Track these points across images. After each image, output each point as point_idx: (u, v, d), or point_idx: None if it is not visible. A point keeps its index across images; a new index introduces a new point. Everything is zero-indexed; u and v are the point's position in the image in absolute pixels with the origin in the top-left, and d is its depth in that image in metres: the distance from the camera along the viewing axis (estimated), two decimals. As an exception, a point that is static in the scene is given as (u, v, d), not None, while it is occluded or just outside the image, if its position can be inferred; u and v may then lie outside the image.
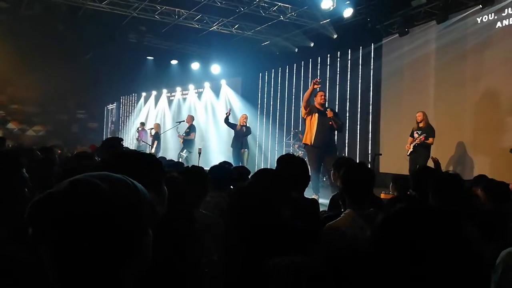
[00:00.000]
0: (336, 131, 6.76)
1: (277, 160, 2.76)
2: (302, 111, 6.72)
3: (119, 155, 1.40)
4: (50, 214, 0.72)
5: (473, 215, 2.37)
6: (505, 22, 7.02)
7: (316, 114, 6.52)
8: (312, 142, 6.48)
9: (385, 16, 8.60)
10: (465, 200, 2.40)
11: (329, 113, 6.48)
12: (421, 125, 6.96)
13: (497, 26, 7.13)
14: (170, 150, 12.20)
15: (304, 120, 6.83)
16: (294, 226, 1.90)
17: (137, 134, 13.06)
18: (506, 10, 7.00)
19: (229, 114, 8.92)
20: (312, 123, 6.53)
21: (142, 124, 13.42)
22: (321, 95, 6.67)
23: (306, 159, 6.41)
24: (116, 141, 3.49)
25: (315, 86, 6.47)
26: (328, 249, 2.08)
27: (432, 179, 2.80)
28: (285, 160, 2.74)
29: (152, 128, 11.72)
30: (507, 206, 3.07)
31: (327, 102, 6.99)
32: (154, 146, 10.94)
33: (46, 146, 6.40)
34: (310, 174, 2.79)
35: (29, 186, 1.97)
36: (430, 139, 6.83)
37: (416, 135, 6.99)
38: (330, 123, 6.44)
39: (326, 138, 6.48)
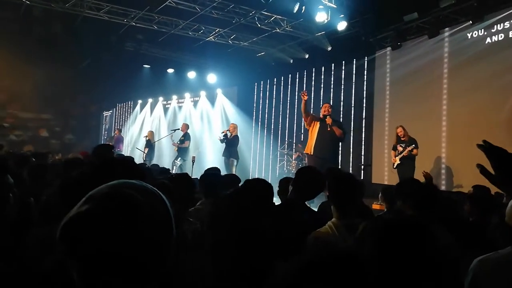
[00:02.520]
0: (338, 141, 6.77)
1: (297, 171, 2.84)
2: (304, 122, 6.82)
3: (110, 161, 1.43)
4: (85, 232, 0.69)
5: (454, 225, 2.45)
6: (494, 38, 7.19)
7: (318, 123, 6.59)
8: (312, 152, 6.56)
9: (378, 30, 8.76)
10: (445, 210, 2.47)
11: (328, 120, 6.50)
12: (403, 139, 7.11)
13: (486, 42, 7.30)
14: (165, 158, 12.23)
15: (307, 131, 6.91)
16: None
17: (112, 140, 13.13)
18: (495, 26, 7.18)
19: (225, 134, 8.88)
20: (313, 133, 6.62)
21: (119, 130, 13.56)
22: (325, 107, 6.74)
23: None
24: (107, 149, 3.52)
25: (304, 97, 6.54)
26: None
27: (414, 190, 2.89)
28: (304, 172, 2.82)
29: (145, 136, 11.75)
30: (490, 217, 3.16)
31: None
32: (145, 153, 10.96)
33: (41, 152, 6.44)
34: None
35: (13, 191, 1.99)
36: (415, 151, 6.98)
37: (400, 148, 7.12)
38: (329, 129, 6.47)
39: (327, 147, 6.50)
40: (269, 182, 2.70)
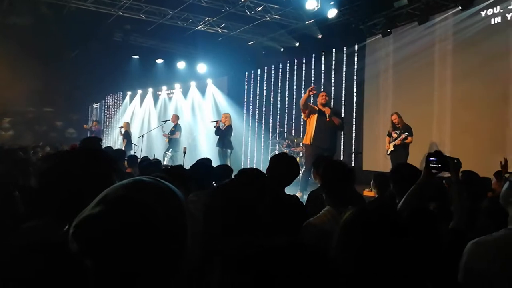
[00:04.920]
0: (337, 130, 6.91)
1: (270, 158, 2.85)
2: (302, 114, 6.91)
3: (76, 151, 1.40)
4: (95, 234, 0.70)
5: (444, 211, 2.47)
6: (484, 24, 7.21)
7: (315, 115, 6.69)
8: (312, 142, 6.65)
9: (368, 16, 8.73)
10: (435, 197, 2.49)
11: (327, 110, 6.61)
12: (398, 126, 7.15)
13: (476, 27, 7.32)
14: (156, 149, 12.16)
15: (305, 122, 7.00)
16: None
17: (92, 131, 13.05)
18: (484, 11, 7.20)
19: (218, 125, 8.81)
20: (311, 124, 6.72)
21: (97, 121, 13.54)
22: (322, 96, 6.81)
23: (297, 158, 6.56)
24: (96, 141, 3.49)
25: (310, 93, 6.62)
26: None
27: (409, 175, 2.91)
28: (277, 159, 2.83)
29: (121, 127, 11.59)
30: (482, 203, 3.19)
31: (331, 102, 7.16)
32: (124, 145, 10.87)
33: (24, 146, 6.40)
34: (300, 172, 2.89)
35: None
36: (409, 138, 7.03)
37: (395, 135, 7.16)
38: (328, 120, 6.56)
39: (325, 137, 6.64)
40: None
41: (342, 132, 9.62)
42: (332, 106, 6.98)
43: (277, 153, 10.69)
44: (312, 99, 7.54)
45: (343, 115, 9.68)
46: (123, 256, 0.69)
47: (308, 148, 6.80)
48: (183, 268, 0.77)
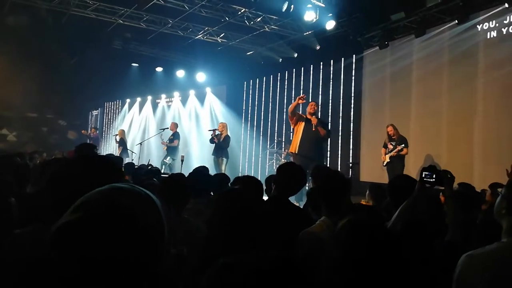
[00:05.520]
0: (323, 141, 6.82)
1: (277, 167, 2.86)
2: (290, 121, 6.88)
3: (95, 159, 1.42)
4: (75, 241, 0.69)
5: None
6: (480, 37, 7.30)
7: (302, 123, 6.64)
8: (297, 151, 6.58)
9: (366, 29, 8.83)
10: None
11: (313, 120, 6.54)
12: (393, 137, 7.19)
13: (472, 41, 7.40)
14: (154, 157, 12.16)
15: (293, 130, 6.95)
16: None
17: (91, 137, 13.06)
18: (480, 25, 7.29)
19: (214, 134, 8.87)
20: (298, 132, 6.65)
21: (95, 128, 13.52)
22: (311, 105, 6.78)
23: None
24: (91, 148, 3.48)
25: (300, 102, 6.58)
26: (302, 253, 2.16)
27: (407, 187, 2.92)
28: (284, 168, 2.84)
29: (116, 135, 11.61)
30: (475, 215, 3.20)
31: (318, 112, 7.12)
32: (119, 152, 10.87)
33: (22, 151, 6.39)
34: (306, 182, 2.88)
35: None
36: (405, 150, 7.05)
37: (390, 146, 7.19)
38: (314, 130, 6.52)
39: (311, 146, 6.54)
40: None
41: (338, 141, 9.66)
42: (319, 117, 6.94)
43: (274, 162, 10.71)
44: (300, 108, 7.51)
45: (340, 125, 9.76)
46: (102, 261, 0.69)
47: (294, 157, 6.71)
48: (158, 272, 0.77)
